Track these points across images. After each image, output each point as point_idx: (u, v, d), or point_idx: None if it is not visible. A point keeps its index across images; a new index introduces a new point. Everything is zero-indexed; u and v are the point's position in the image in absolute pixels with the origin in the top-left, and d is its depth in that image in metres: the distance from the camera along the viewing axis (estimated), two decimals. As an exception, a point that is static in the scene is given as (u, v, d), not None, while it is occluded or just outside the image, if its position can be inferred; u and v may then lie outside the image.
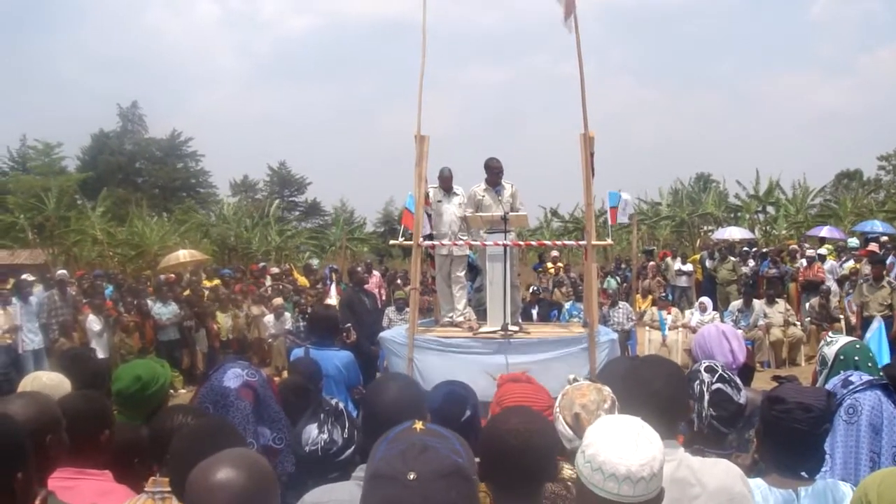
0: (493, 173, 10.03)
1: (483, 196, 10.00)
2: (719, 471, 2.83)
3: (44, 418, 2.88)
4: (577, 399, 3.19)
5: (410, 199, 9.90)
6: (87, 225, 30.79)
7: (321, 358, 6.28)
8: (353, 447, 3.46)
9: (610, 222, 12.56)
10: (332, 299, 16.91)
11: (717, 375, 3.52)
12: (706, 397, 3.46)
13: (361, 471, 2.88)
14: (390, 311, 15.56)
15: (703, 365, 3.63)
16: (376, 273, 21.91)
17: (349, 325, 9.67)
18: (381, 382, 3.34)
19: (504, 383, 3.98)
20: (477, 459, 2.42)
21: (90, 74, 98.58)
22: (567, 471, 2.91)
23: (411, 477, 1.83)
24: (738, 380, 3.61)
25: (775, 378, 3.58)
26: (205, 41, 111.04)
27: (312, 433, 3.51)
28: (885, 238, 22.58)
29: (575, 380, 3.43)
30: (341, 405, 3.65)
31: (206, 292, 18.24)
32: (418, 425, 2.04)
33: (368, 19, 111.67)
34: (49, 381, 3.94)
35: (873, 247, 20.62)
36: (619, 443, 2.20)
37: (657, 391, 2.93)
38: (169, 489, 2.93)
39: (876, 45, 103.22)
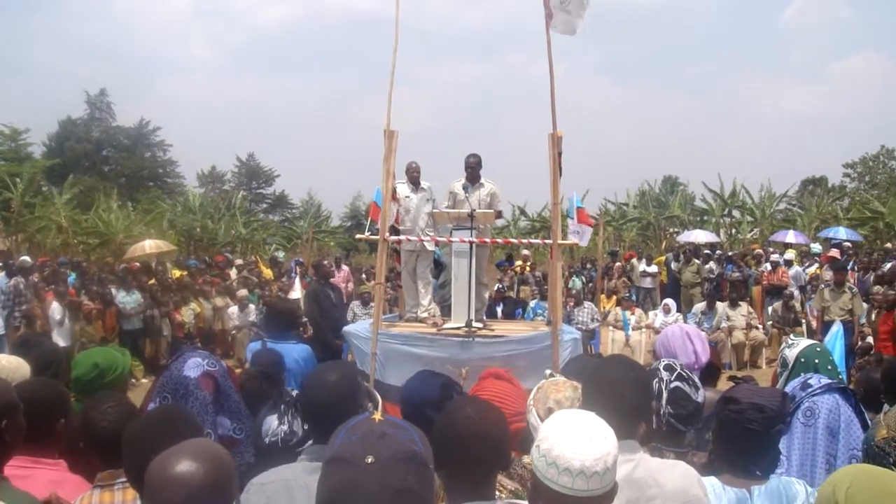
0: (469, 169, 10.04)
1: (458, 192, 10.00)
2: (677, 473, 2.85)
3: (0, 403, 2.86)
4: (551, 394, 3.22)
5: (378, 193, 9.89)
6: (51, 212, 30.50)
7: (281, 352, 6.26)
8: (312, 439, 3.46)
9: (577, 222, 12.58)
10: (297, 292, 16.88)
11: (675, 374, 3.55)
12: (664, 395, 3.49)
13: (308, 452, 2.91)
14: (355, 306, 15.55)
15: (663, 363, 3.66)
16: (345, 268, 21.88)
17: (306, 319, 9.66)
18: (321, 370, 3.34)
19: (486, 377, 3.98)
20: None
21: (59, 60, 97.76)
22: (525, 459, 2.93)
23: (369, 460, 1.85)
24: (696, 379, 3.64)
25: (732, 379, 3.62)
26: (177, 30, 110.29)
27: (272, 424, 3.52)
28: (847, 244, 22.82)
29: (552, 375, 3.46)
30: (301, 397, 3.65)
31: (172, 282, 18.16)
32: (377, 416, 2.06)
33: (343, 12, 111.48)
34: (8, 364, 3.91)
35: (834, 252, 20.85)
36: (573, 437, 2.22)
37: (622, 391, 2.92)
38: (125, 479, 2.93)
39: (846, 53, 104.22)
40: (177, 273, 20.49)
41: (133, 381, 13.22)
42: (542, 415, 3.16)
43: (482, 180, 10.04)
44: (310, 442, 3.20)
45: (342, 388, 3.07)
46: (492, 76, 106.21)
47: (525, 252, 23.10)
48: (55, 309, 14.25)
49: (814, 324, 15.71)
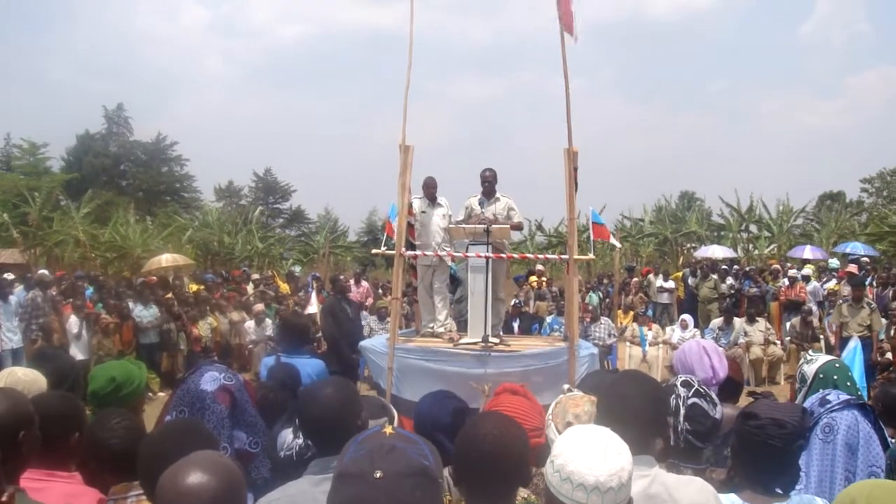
0: (483, 183, 10.05)
1: (475, 207, 10.00)
2: (693, 490, 2.81)
3: (17, 414, 2.86)
4: (570, 409, 3.21)
5: (393, 209, 9.90)
6: (69, 226, 30.65)
7: (297, 367, 6.24)
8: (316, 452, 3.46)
9: (602, 237, 12.60)
10: (314, 307, 16.89)
11: (693, 390, 3.53)
12: (682, 412, 3.46)
13: (312, 465, 2.90)
14: (372, 321, 15.56)
15: (680, 379, 3.63)
16: (365, 283, 21.85)
17: (322, 333, 9.64)
18: (317, 385, 3.34)
19: (502, 392, 3.97)
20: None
21: (78, 76, 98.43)
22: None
23: (377, 475, 1.85)
24: (714, 395, 3.61)
25: (751, 394, 3.60)
26: (194, 46, 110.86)
27: (288, 438, 3.51)
28: (865, 259, 22.71)
29: (570, 389, 3.45)
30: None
31: (190, 297, 18.22)
32: (388, 429, 2.05)
33: (359, 29, 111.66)
34: (24, 377, 3.93)
35: (852, 268, 20.74)
36: (588, 453, 2.21)
37: (637, 407, 2.90)
38: (140, 492, 2.93)
39: (863, 68, 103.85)
40: (194, 287, 20.55)
41: (150, 394, 13.23)
42: (561, 429, 3.14)
43: (498, 194, 10.04)
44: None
45: (336, 403, 3.07)
46: (506, 92, 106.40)
47: (539, 267, 23.07)
48: (73, 322, 14.30)
49: (832, 339, 15.61)
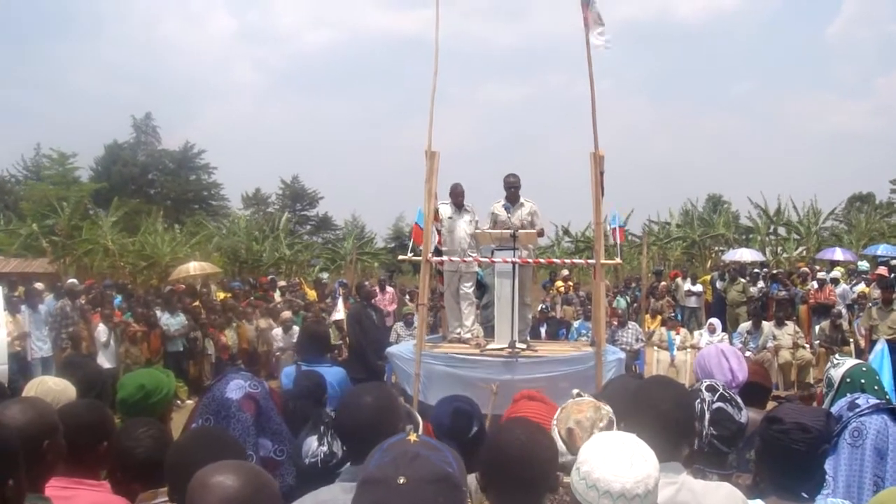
0: (508, 189, 10.04)
1: (500, 213, 10.01)
2: (721, 495, 2.80)
3: (41, 424, 2.87)
4: (573, 414, 3.19)
5: (420, 215, 9.92)
6: (98, 235, 30.89)
7: (323, 375, 6.24)
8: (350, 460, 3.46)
9: (619, 240, 12.57)
10: (340, 313, 16.91)
11: (718, 394, 3.51)
12: (707, 416, 3.44)
13: (345, 473, 2.91)
14: (399, 327, 15.56)
15: (705, 384, 3.62)
16: (390, 289, 21.85)
17: (349, 340, 9.65)
18: (356, 392, 3.34)
19: (520, 399, 3.99)
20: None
21: (105, 85, 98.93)
22: (565, 478, 2.91)
23: (401, 481, 1.85)
24: (739, 399, 3.60)
25: (776, 399, 3.58)
26: (220, 54, 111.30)
27: (312, 446, 3.52)
28: (895, 261, 22.52)
29: (579, 395, 3.44)
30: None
31: (217, 304, 18.30)
32: (412, 436, 2.05)
33: (385, 35, 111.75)
34: (55, 386, 3.96)
35: (882, 270, 20.55)
36: (614, 460, 2.21)
37: (664, 412, 2.89)
38: (166, 498, 2.94)
39: (892, 68, 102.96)
40: (221, 295, 20.63)
41: (178, 402, 13.31)
42: (563, 435, 3.14)
43: (522, 200, 10.03)
44: (348, 463, 3.20)
45: (377, 410, 3.06)
46: (532, 97, 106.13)
47: (565, 272, 23.03)
48: (101, 331, 14.40)
49: (862, 343, 15.49)
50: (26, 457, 2.48)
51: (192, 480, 2.19)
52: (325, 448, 3.47)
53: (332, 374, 6.55)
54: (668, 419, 2.89)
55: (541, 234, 10.35)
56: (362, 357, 10.91)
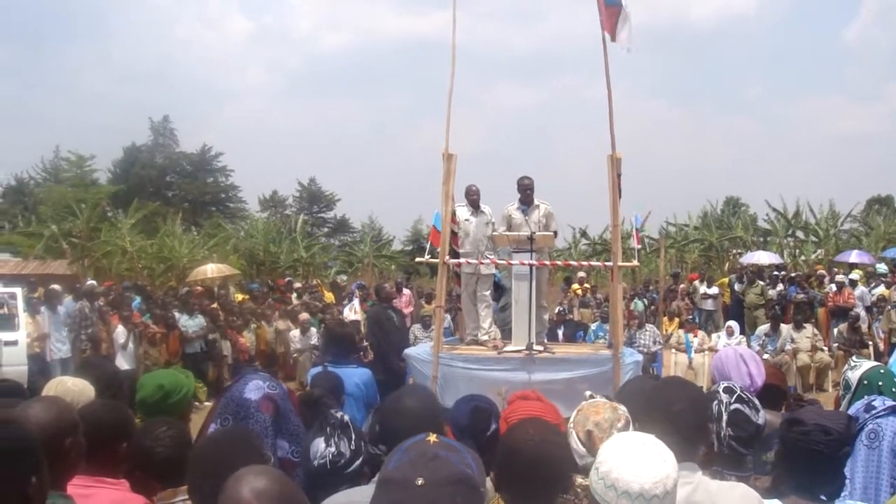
0: (522, 191, 10.03)
1: (514, 215, 10.00)
2: (736, 495, 2.80)
3: (62, 422, 2.90)
4: (591, 416, 3.19)
5: (437, 217, 9.92)
6: (117, 237, 30.99)
7: (340, 376, 6.25)
8: (360, 459, 3.47)
9: (635, 244, 12.58)
10: (354, 315, 16.95)
11: (735, 396, 3.50)
12: (724, 418, 3.44)
13: None
14: (416, 329, 15.57)
15: (722, 386, 3.61)
16: (406, 291, 21.87)
17: (367, 343, 9.65)
18: (398, 396, 3.36)
19: (514, 400, 4.02)
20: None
21: (122, 87, 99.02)
22: (579, 479, 2.91)
23: (419, 482, 1.86)
24: (756, 401, 3.59)
25: (796, 401, 3.57)
26: (237, 56, 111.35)
27: (320, 446, 3.51)
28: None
29: (592, 396, 3.44)
30: (346, 418, 3.66)
31: (235, 306, 18.37)
32: (432, 437, 2.06)
33: (401, 37, 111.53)
34: (74, 386, 3.97)
35: (901, 273, 20.48)
36: (632, 460, 2.21)
37: (679, 413, 2.90)
38: (186, 497, 2.96)
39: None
40: (240, 297, 20.69)
41: (197, 403, 13.31)
42: (582, 437, 3.13)
43: (536, 201, 10.02)
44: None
45: (421, 414, 3.09)
46: (546, 99, 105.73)
47: (581, 274, 23.00)
48: (120, 333, 14.45)
49: (881, 346, 15.41)
50: (49, 455, 2.50)
51: (227, 487, 2.17)
52: (332, 449, 3.46)
53: (359, 375, 6.57)
54: (682, 419, 2.90)
55: (555, 235, 10.33)
56: (383, 358, 10.91)
